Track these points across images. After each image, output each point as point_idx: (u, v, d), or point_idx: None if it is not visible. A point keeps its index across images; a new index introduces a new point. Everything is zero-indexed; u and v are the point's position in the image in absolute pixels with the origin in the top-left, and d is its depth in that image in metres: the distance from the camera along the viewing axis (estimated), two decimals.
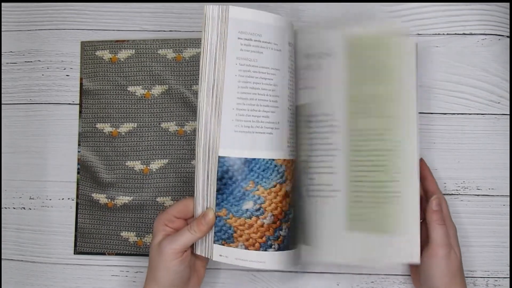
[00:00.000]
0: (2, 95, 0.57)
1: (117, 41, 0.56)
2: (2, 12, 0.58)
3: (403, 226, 0.46)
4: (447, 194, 0.55)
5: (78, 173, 0.56)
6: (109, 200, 0.55)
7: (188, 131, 0.55)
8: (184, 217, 0.47)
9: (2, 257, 0.56)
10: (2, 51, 0.57)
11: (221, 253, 0.46)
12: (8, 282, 0.56)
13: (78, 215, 0.55)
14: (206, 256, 0.46)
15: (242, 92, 0.45)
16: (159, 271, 0.44)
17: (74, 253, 0.55)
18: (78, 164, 0.56)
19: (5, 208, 0.56)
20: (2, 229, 0.56)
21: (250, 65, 0.45)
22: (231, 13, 0.45)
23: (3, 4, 0.58)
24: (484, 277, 0.54)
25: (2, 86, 0.57)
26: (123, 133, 0.56)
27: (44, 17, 0.58)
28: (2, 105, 0.57)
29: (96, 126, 0.56)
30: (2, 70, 0.57)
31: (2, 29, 0.58)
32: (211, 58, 0.45)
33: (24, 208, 0.56)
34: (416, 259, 0.46)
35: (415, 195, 0.46)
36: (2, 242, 0.56)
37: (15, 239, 0.56)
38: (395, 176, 0.46)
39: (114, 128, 0.56)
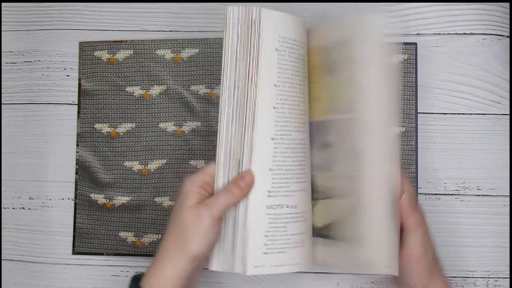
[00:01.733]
0: (2, 95, 0.57)
1: (115, 41, 0.56)
2: (2, 12, 0.58)
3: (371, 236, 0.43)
4: (447, 194, 0.55)
5: (76, 173, 0.56)
6: (108, 200, 0.55)
7: (186, 132, 0.55)
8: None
9: (1, 257, 0.56)
10: (2, 51, 0.57)
11: (256, 264, 0.42)
12: (8, 282, 0.56)
13: (77, 215, 0.55)
14: (238, 272, 0.42)
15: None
16: (195, 240, 0.40)
17: (73, 253, 0.55)
18: (76, 164, 0.56)
19: (5, 208, 0.56)
20: (2, 229, 0.56)
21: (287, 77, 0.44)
22: (265, 16, 0.43)
23: (3, 4, 0.58)
24: (484, 277, 0.54)
25: (2, 86, 0.57)
26: (121, 133, 0.56)
27: (44, 17, 0.58)
28: (2, 105, 0.57)
29: (94, 126, 0.56)
30: (2, 70, 0.57)
31: (2, 29, 0.58)
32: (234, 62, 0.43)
33: (23, 208, 0.56)
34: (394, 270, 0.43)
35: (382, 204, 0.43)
36: (1, 242, 0.56)
37: (15, 239, 0.56)
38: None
39: (112, 129, 0.56)
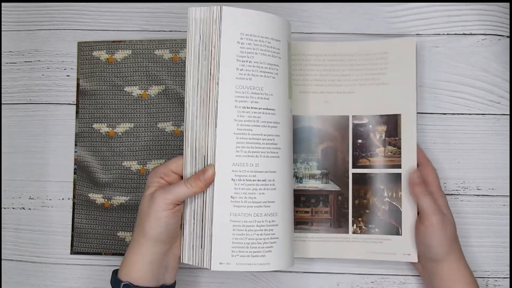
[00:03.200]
0: (2, 95, 0.57)
1: (114, 41, 0.56)
2: (2, 12, 0.58)
3: None
4: (447, 194, 0.55)
5: (74, 173, 0.56)
6: (106, 200, 0.55)
7: None
8: (181, 173, 0.46)
9: (2, 257, 0.56)
10: (2, 51, 0.57)
11: (221, 261, 0.43)
12: (8, 282, 0.56)
13: (75, 215, 0.55)
14: (202, 266, 0.44)
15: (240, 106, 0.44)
16: (148, 222, 0.43)
17: (71, 253, 0.55)
18: (74, 164, 0.56)
19: (5, 208, 0.56)
20: (2, 229, 0.56)
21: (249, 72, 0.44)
22: (225, 14, 0.43)
23: (3, 4, 0.58)
24: (484, 277, 0.54)
25: (2, 86, 0.57)
26: (119, 133, 0.56)
27: (44, 17, 0.58)
28: (2, 105, 0.57)
29: (93, 126, 0.56)
30: (2, 70, 0.57)
31: (2, 29, 0.58)
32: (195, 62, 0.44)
33: (23, 208, 0.56)
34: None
35: None
36: (1, 242, 0.56)
37: (15, 239, 0.56)
38: None
39: (110, 128, 0.56)
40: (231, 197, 0.43)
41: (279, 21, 0.46)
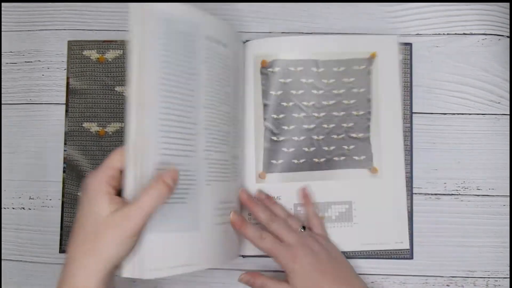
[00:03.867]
0: (2, 95, 0.57)
1: (104, 41, 0.56)
2: (2, 12, 0.58)
3: None
4: (447, 194, 0.55)
5: (64, 172, 0.56)
6: None
7: None
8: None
9: (1, 257, 0.56)
10: (2, 51, 0.57)
11: (152, 267, 0.40)
12: (8, 282, 0.55)
13: (64, 214, 0.55)
14: (139, 277, 0.39)
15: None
16: (109, 247, 0.37)
17: (59, 252, 0.55)
18: (64, 163, 0.56)
19: (5, 208, 0.56)
20: (2, 229, 0.56)
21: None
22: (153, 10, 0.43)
23: (3, 4, 0.58)
24: (484, 277, 0.54)
25: (2, 86, 0.57)
26: (110, 133, 0.56)
27: (44, 17, 0.58)
28: (2, 105, 0.57)
29: (83, 125, 0.56)
30: (2, 70, 0.57)
31: (2, 29, 0.58)
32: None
33: (23, 208, 0.56)
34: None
35: None
36: (1, 242, 0.56)
37: (15, 239, 0.56)
38: None
39: (101, 128, 0.56)
40: None
41: (200, 15, 0.46)
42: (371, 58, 0.54)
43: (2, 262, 0.56)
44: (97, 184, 0.39)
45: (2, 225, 0.56)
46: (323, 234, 0.51)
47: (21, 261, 0.56)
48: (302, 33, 0.56)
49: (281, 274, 0.50)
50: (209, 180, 0.46)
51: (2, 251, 0.56)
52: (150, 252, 0.40)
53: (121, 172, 0.40)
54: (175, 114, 0.43)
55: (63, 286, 0.37)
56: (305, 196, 0.53)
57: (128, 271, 0.40)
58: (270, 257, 0.46)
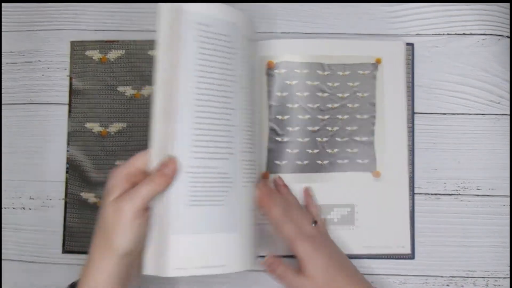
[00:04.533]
0: (2, 95, 0.57)
1: (107, 41, 0.56)
2: (2, 12, 0.58)
3: None
4: (447, 194, 0.55)
5: (67, 172, 0.56)
6: (98, 199, 0.55)
7: None
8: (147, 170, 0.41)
9: (2, 257, 0.56)
10: (2, 51, 0.57)
11: (178, 266, 0.40)
12: (8, 282, 0.55)
13: (67, 214, 0.55)
14: (162, 275, 0.40)
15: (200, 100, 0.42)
16: (116, 235, 0.38)
17: (62, 252, 0.55)
18: (67, 163, 0.56)
19: (5, 208, 0.56)
20: (2, 229, 0.56)
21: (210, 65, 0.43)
22: (186, 9, 0.42)
23: (3, 4, 0.58)
24: (484, 277, 0.54)
25: (2, 86, 0.57)
26: (112, 133, 0.56)
27: (44, 17, 0.58)
28: (2, 105, 0.57)
29: (86, 125, 0.56)
30: (2, 70, 0.57)
31: (2, 29, 0.58)
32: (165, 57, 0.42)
33: (23, 208, 0.56)
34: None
35: None
36: (2, 242, 0.56)
37: (15, 239, 0.56)
38: None
39: (103, 128, 0.56)
40: (189, 198, 0.41)
41: (238, 15, 0.45)
42: (376, 63, 0.55)
43: (2, 262, 0.56)
44: (115, 179, 0.40)
45: (2, 225, 0.56)
46: (324, 228, 0.52)
47: (21, 261, 0.56)
48: (302, 33, 0.56)
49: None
50: (245, 181, 0.45)
51: (2, 251, 0.56)
52: (176, 252, 0.40)
53: (142, 172, 0.41)
54: (213, 117, 0.42)
55: (84, 278, 0.39)
56: (308, 197, 0.53)
57: (152, 269, 0.40)
58: (289, 246, 0.45)
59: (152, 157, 0.41)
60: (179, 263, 0.40)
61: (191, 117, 0.41)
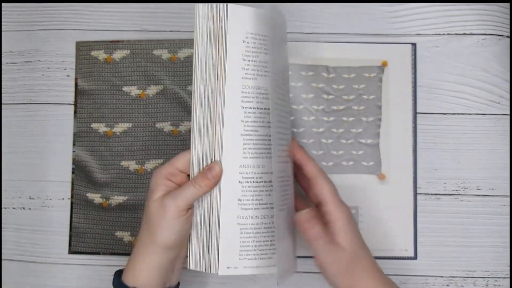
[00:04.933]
0: (2, 95, 0.57)
1: (112, 41, 0.56)
2: (2, 12, 0.58)
3: None
4: (447, 194, 0.55)
5: (73, 172, 0.56)
6: (104, 200, 0.55)
7: (183, 131, 0.55)
8: (188, 171, 0.44)
9: (2, 257, 0.56)
10: (2, 51, 0.57)
11: (229, 265, 0.43)
12: (8, 282, 0.56)
13: (73, 214, 0.55)
14: (210, 272, 0.43)
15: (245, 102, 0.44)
16: (160, 230, 0.41)
17: (69, 253, 0.55)
18: (73, 163, 0.56)
19: (5, 208, 0.56)
20: (2, 229, 0.56)
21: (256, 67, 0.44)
22: (231, 11, 0.43)
23: (3, 4, 0.58)
24: (484, 277, 0.54)
25: (2, 86, 0.57)
26: (118, 133, 0.56)
27: (44, 17, 0.58)
28: (2, 105, 0.57)
29: (91, 126, 0.56)
30: (2, 70, 0.57)
31: (2, 29, 0.58)
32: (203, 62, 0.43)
33: (24, 208, 0.56)
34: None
35: None
36: (2, 242, 0.56)
37: (15, 239, 0.56)
38: None
39: (109, 128, 0.56)
40: (239, 199, 0.43)
41: (280, 20, 0.46)
42: (383, 66, 0.55)
43: (2, 262, 0.56)
44: (156, 178, 0.43)
45: (2, 225, 0.56)
46: None
47: (21, 261, 0.56)
48: (302, 33, 0.56)
49: None
50: (280, 184, 0.45)
51: (2, 251, 0.56)
52: (227, 251, 0.42)
53: (181, 172, 0.44)
54: (257, 121, 0.44)
55: (130, 267, 0.43)
56: (298, 149, 0.47)
57: (201, 266, 0.43)
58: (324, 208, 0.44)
59: (194, 162, 0.43)
60: (230, 262, 0.42)
61: (239, 121, 0.43)
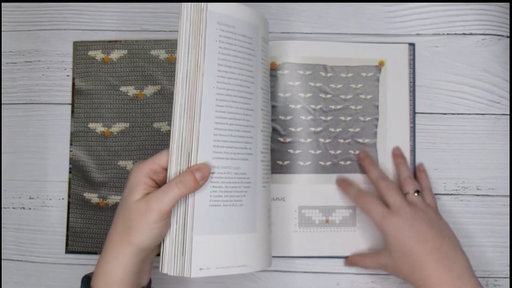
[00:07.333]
0: (2, 95, 0.57)
1: (109, 41, 0.56)
2: (2, 12, 0.58)
3: None
4: (447, 194, 0.55)
5: (70, 172, 0.56)
6: (101, 199, 0.55)
7: None
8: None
9: (2, 257, 0.56)
10: (2, 51, 0.57)
11: (201, 266, 0.41)
12: (8, 282, 0.56)
13: (70, 214, 0.55)
14: (183, 275, 0.40)
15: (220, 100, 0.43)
16: (138, 232, 0.39)
17: (66, 252, 0.55)
18: (70, 163, 0.56)
19: (5, 208, 0.56)
20: (2, 229, 0.56)
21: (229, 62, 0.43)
22: (209, 8, 0.42)
23: (3, 4, 0.58)
24: (484, 277, 0.54)
25: (2, 86, 0.57)
26: (115, 133, 0.56)
27: (44, 17, 0.58)
28: (2, 105, 0.57)
29: (88, 125, 0.56)
30: (2, 70, 0.57)
31: (2, 29, 0.58)
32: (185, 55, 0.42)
33: (23, 208, 0.56)
34: None
35: None
36: (1, 242, 0.56)
37: (15, 239, 0.56)
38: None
39: (106, 128, 0.56)
40: (210, 198, 0.41)
41: (258, 17, 0.46)
42: (380, 66, 0.55)
43: (2, 262, 0.56)
44: (138, 175, 0.41)
45: (2, 225, 0.56)
46: (432, 202, 0.51)
47: (21, 261, 0.56)
48: (302, 33, 0.56)
49: None
50: (264, 182, 0.46)
51: (2, 251, 0.56)
52: (199, 252, 0.41)
53: (164, 170, 0.41)
54: (235, 118, 0.43)
55: (100, 270, 0.40)
56: (398, 156, 0.54)
57: (174, 269, 0.41)
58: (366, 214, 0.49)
59: (172, 155, 0.41)
60: (203, 263, 0.41)
61: (213, 117, 0.42)
